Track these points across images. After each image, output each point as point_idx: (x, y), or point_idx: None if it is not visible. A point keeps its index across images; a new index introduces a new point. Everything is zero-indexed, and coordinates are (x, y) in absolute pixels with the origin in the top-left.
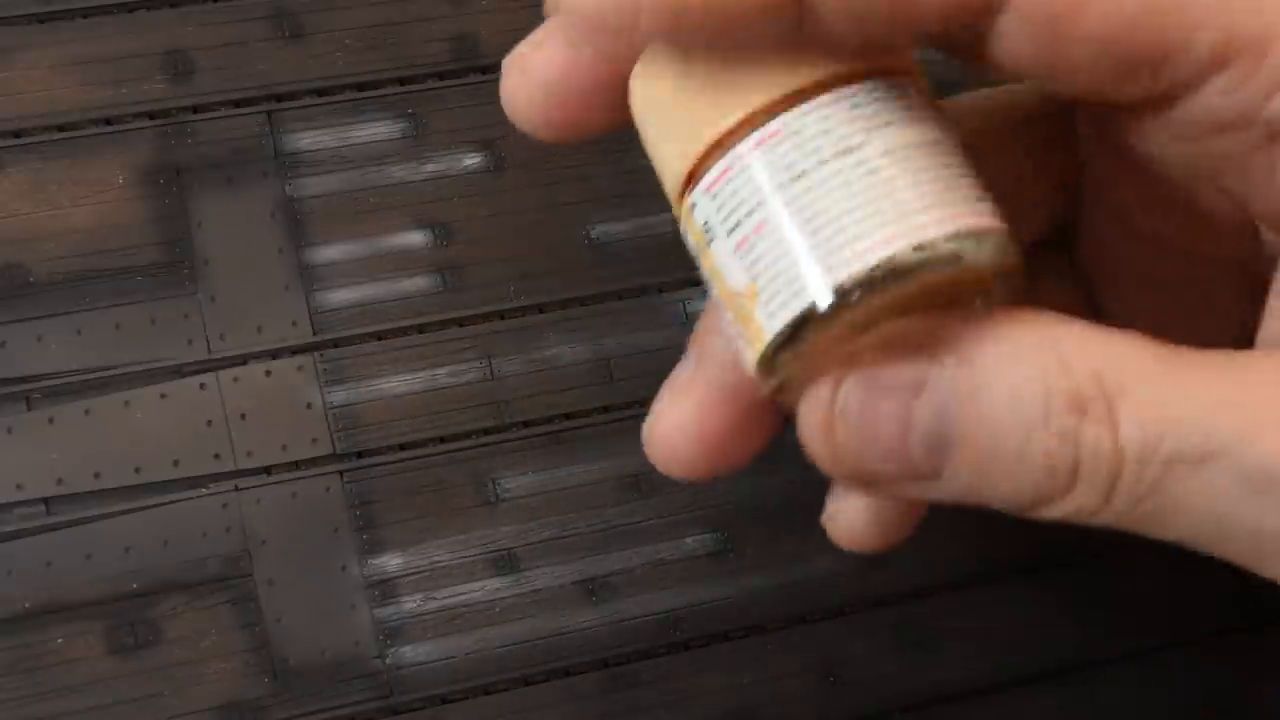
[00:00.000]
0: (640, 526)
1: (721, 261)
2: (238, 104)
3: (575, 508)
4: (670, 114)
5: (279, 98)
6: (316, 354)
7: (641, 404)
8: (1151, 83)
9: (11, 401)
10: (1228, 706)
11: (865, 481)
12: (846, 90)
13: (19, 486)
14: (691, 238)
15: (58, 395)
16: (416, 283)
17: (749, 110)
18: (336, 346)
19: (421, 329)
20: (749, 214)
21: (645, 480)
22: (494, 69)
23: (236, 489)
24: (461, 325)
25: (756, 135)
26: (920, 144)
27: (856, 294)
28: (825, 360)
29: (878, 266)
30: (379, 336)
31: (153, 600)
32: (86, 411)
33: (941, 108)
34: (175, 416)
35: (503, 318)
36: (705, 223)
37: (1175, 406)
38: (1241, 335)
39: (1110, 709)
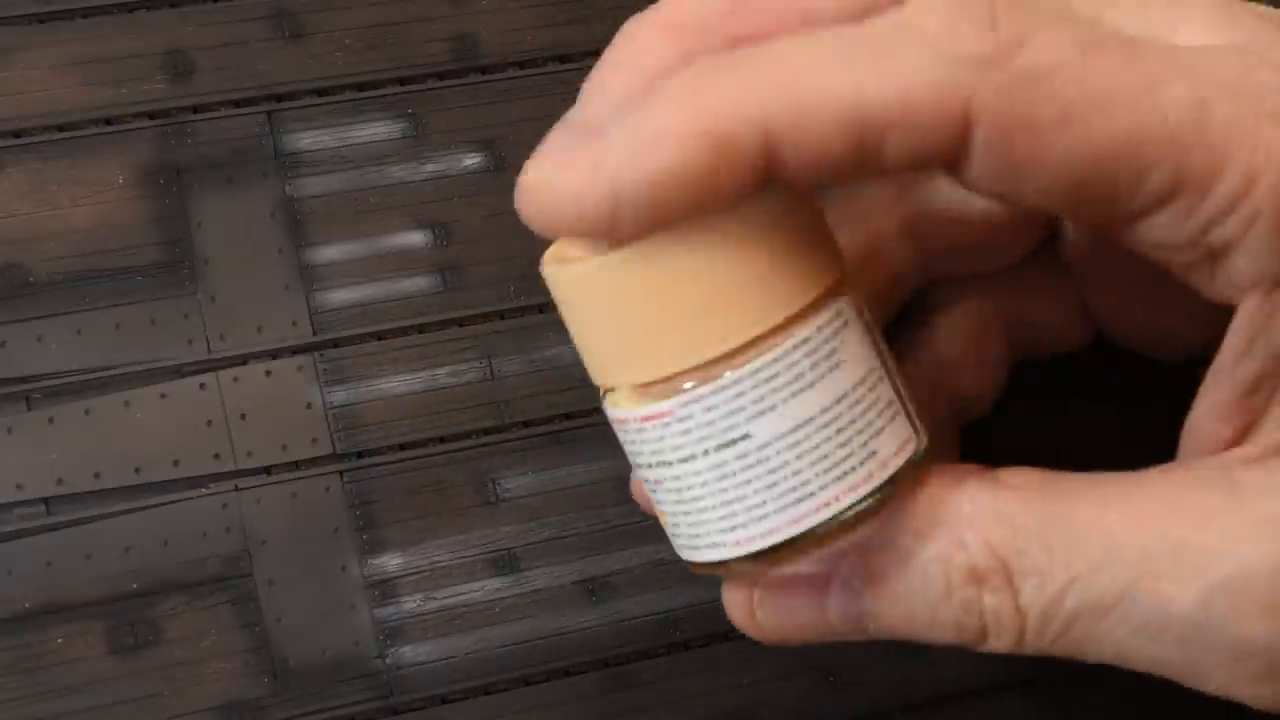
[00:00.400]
0: (640, 526)
1: (638, 472)
2: (238, 104)
3: (575, 508)
4: (593, 325)
5: (279, 98)
6: (316, 354)
7: None
8: (1107, 213)
9: (11, 401)
10: (1233, 706)
11: (798, 643)
12: (762, 358)
13: (19, 486)
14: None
15: (58, 395)
16: (416, 283)
17: (650, 377)
18: (336, 346)
19: (421, 329)
20: (646, 467)
21: None
22: (494, 69)
23: (236, 489)
24: (461, 325)
25: (647, 409)
26: (831, 406)
27: (766, 557)
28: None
29: (776, 546)
30: (379, 336)
31: (153, 600)
32: (86, 411)
33: (869, 323)
34: (175, 416)
35: (503, 318)
36: (622, 440)
37: (1068, 565)
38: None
39: (1112, 710)
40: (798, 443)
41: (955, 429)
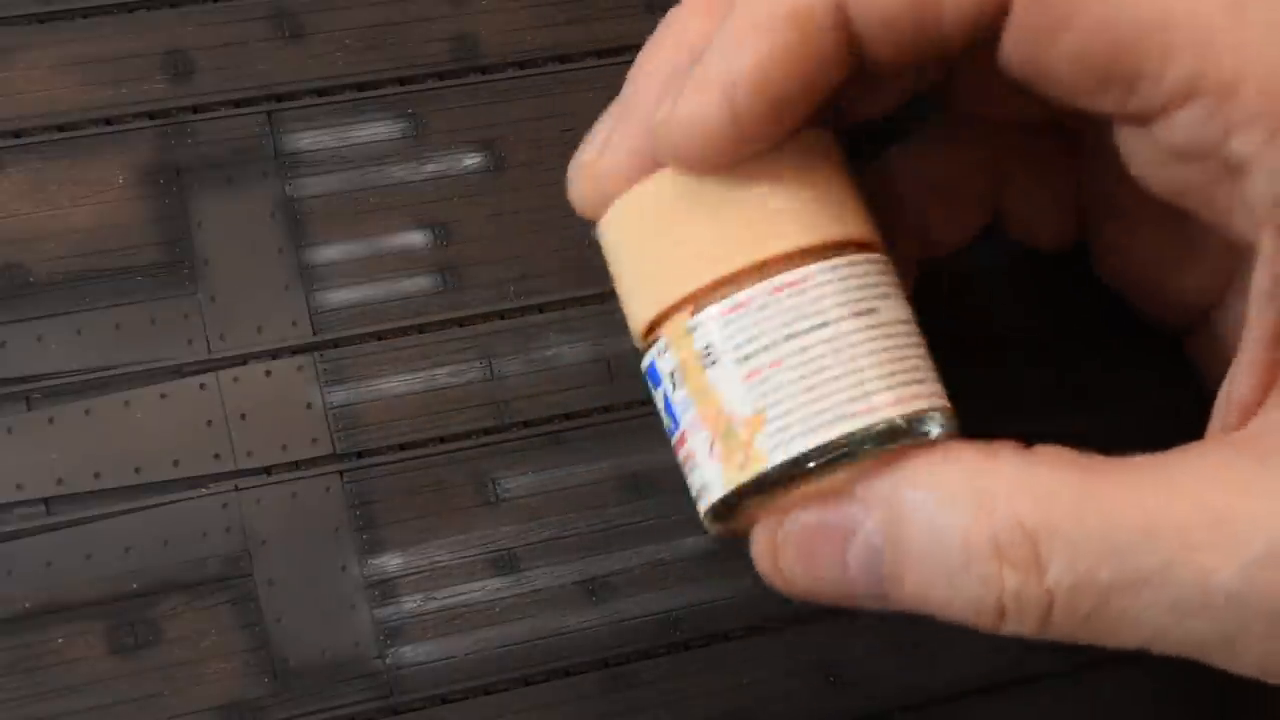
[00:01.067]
0: (640, 526)
1: (721, 386)
2: (238, 104)
3: (575, 508)
4: (671, 237)
5: (279, 98)
6: (316, 354)
7: (642, 404)
8: (1123, 101)
9: (11, 401)
10: (1238, 705)
11: (821, 600)
12: (855, 258)
13: (19, 486)
14: (676, 357)
15: (58, 395)
16: (416, 283)
17: (771, 254)
18: (336, 346)
19: (421, 329)
20: (765, 349)
21: (645, 480)
22: (494, 69)
23: (236, 489)
24: (461, 325)
25: (778, 280)
26: (903, 321)
27: (865, 446)
28: (771, 504)
29: (879, 424)
30: (379, 336)
31: (153, 600)
32: (86, 411)
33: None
34: (175, 416)
35: (503, 318)
36: (707, 346)
37: (1102, 540)
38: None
39: (1114, 709)
40: (910, 332)
41: (914, 266)
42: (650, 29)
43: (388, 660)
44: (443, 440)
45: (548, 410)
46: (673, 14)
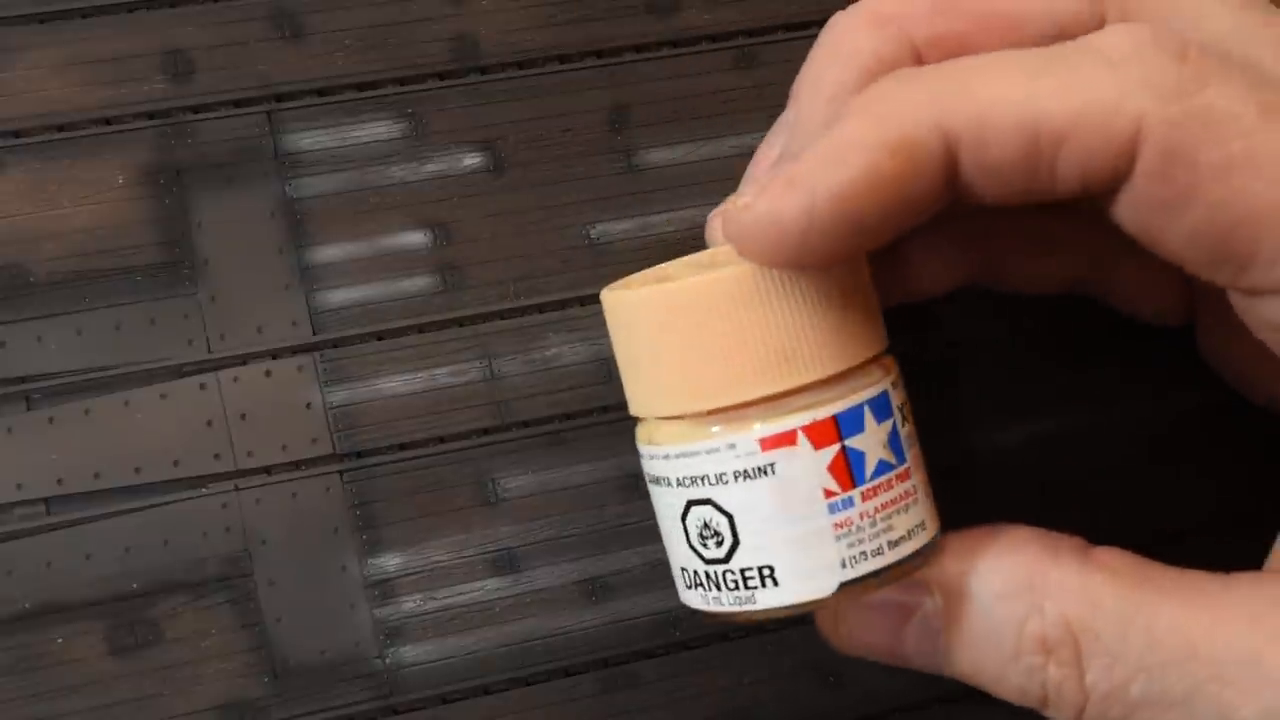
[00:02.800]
0: (640, 526)
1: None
2: (238, 104)
3: (575, 508)
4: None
5: (279, 98)
6: (316, 354)
7: None
8: (1234, 278)
9: (11, 401)
10: None
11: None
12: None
13: (19, 486)
14: (902, 396)
15: (58, 395)
16: (416, 283)
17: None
18: (336, 346)
19: (421, 329)
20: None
21: (645, 480)
22: (494, 69)
23: (236, 489)
24: (461, 325)
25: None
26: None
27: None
28: None
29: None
30: (379, 336)
31: (153, 600)
32: (86, 411)
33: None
34: (175, 416)
35: (503, 318)
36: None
37: (1141, 657)
38: None
39: None
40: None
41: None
42: (650, 29)
43: (387, 660)
44: (443, 440)
45: (548, 410)
46: (843, 20)
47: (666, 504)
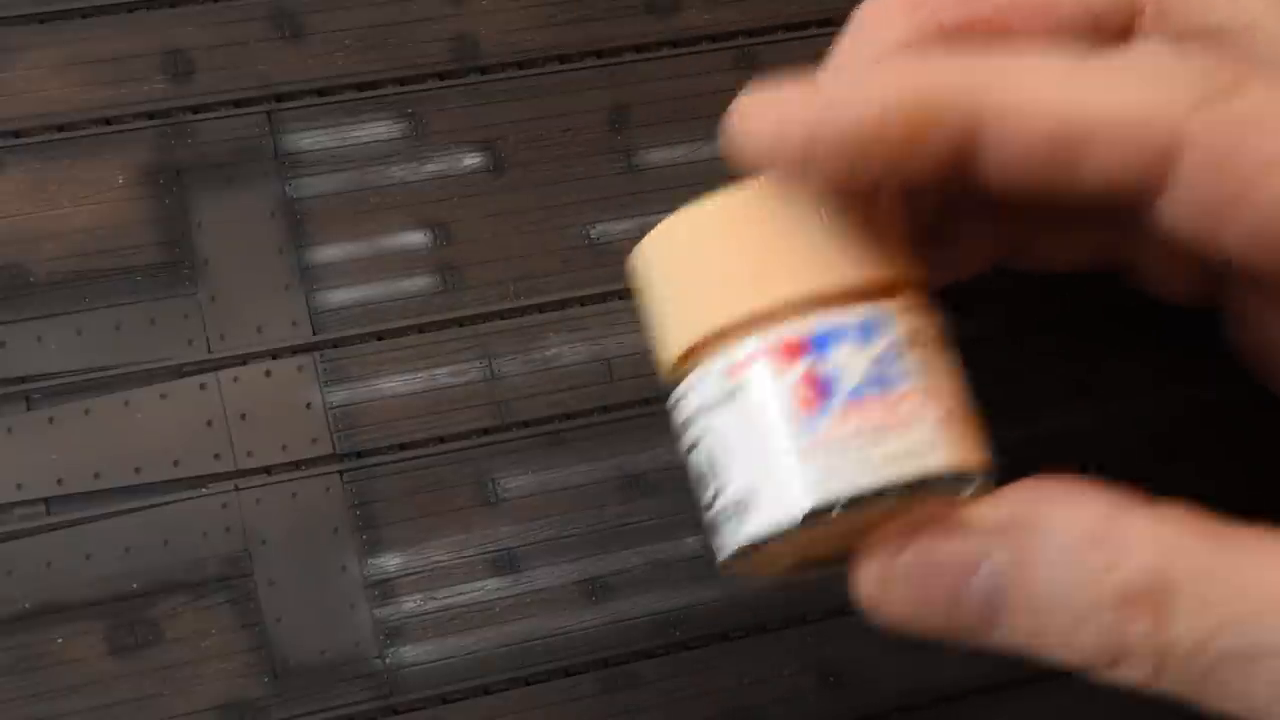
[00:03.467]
0: (640, 526)
1: (952, 373)
2: (238, 104)
3: (575, 508)
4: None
5: (279, 98)
6: (316, 354)
7: (642, 404)
8: None
9: (11, 401)
10: None
11: (919, 632)
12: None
13: (19, 486)
14: (917, 321)
15: (58, 395)
16: (416, 283)
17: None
18: (336, 346)
19: (421, 329)
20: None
21: (645, 480)
22: (494, 69)
23: (236, 489)
24: (461, 325)
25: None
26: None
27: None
28: (868, 531)
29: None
30: (379, 336)
31: (153, 600)
32: (86, 411)
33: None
34: (175, 416)
35: (503, 318)
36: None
37: (1228, 605)
38: None
39: (1115, 710)
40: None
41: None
42: (650, 29)
43: (387, 660)
44: (443, 440)
45: (548, 410)
46: (869, 7)
47: (686, 461)
